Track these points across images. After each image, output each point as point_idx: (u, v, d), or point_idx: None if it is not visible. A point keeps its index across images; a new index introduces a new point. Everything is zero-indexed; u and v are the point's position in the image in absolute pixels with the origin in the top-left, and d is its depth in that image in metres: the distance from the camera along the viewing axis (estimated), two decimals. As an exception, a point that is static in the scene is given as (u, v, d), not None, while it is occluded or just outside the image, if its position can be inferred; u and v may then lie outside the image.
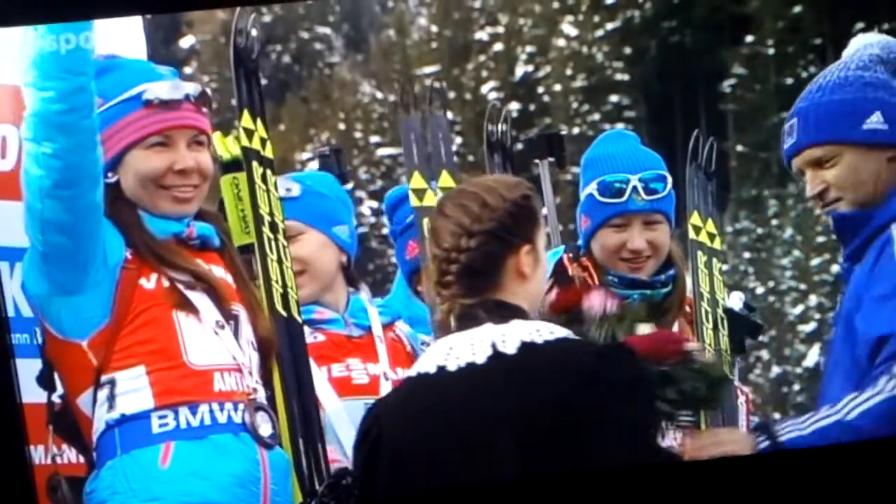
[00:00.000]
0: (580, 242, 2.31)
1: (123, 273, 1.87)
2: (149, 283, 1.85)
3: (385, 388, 2.07)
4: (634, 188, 2.23)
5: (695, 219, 2.37)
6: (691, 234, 2.34)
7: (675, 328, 2.25)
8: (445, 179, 2.21)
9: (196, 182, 1.88)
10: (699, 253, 2.30)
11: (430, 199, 2.22)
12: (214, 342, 1.88)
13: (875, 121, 1.84)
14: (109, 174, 1.87)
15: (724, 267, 2.34)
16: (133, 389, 1.80)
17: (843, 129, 1.87)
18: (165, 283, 1.84)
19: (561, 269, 2.30)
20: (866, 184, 1.82)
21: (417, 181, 2.20)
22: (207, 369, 1.89)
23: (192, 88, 1.90)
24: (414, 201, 2.17)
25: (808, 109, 1.87)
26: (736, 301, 2.40)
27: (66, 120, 1.79)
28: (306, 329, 2.07)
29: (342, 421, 2.01)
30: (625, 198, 2.23)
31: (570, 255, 2.31)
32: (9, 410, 1.99)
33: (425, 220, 2.17)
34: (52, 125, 1.79)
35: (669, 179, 2.23)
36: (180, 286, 1.84)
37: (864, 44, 1.92)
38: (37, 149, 1.78)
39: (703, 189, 2.41)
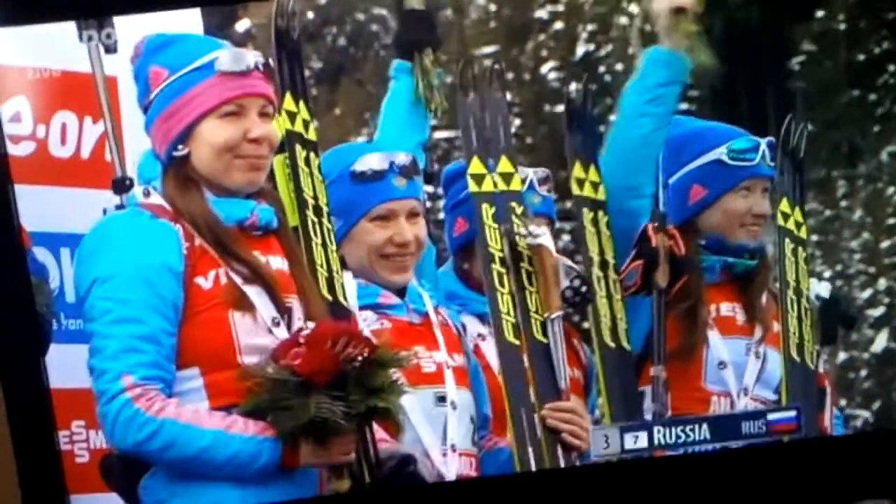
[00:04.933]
0: (684, 214, 2.26)
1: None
2: (206, 281, 1.86)
3: (449, 377, 2.08)
4: (763, 153, 2.23)
5: (784, 205, 2.34)
6: (780, 221, 2.32)
7: (763, 304, 2.22)
8: (505, 164, 2.19)
9: (266, 152, 1.89)
10: (787, 240, 2.28)
11: (489, 185, 2.21)
12: (269, 341, 1.89)
13: None
14: (180, 146, 1.88)
15: (807, 252, 2.28)
16: (188, 390, 1.82)
17: None
18: (223, 280, 1.85)
19: (644, 239, 2.27)
20: None
21: (476, 166, 2.18)
22: None
23: (259, 56, 1.90)
24: (472, 187, 2.15)
25: None
26: (824, 290, 2.35)
27: None
28: (371, 314, 2.07)
29: (416, 411, 2.01)
30: (756, 162, 2.22)
31: (655, 224, 2.28)
32: (39, 397, 2.03)
33: (484, 206, 2.17)
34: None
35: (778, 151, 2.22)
36: (238, 280, 1.84)
37: None
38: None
39: (793, 176, 2.37)
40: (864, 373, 3.44)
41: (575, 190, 2.32)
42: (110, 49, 2.12)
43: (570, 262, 2.31)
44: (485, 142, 2.28)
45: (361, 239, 2.19)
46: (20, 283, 2.15)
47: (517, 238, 2.16)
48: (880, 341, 3.39)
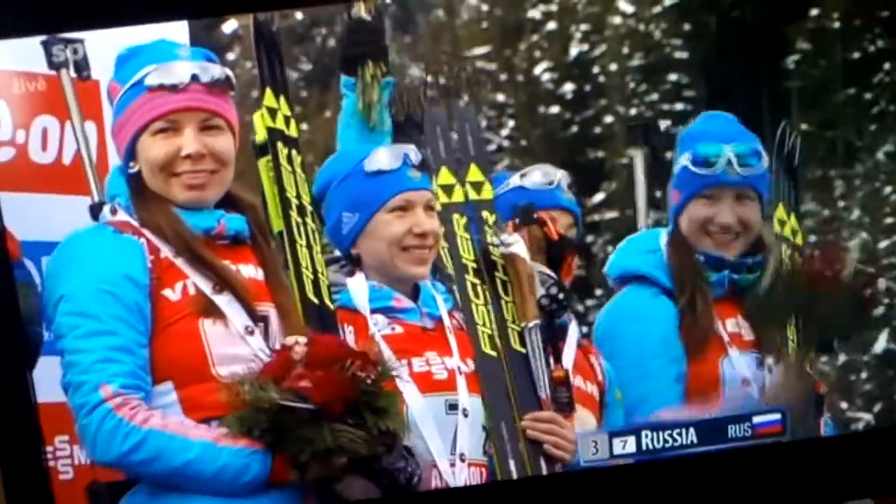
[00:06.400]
0: (670, 218, 2.24)
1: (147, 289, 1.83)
2: (174, 293, 1.81)
3: (461, 383, 2.04)
4: (728, 160, 2.18)
5: (780, 212, 2.30)
6: (776, 228, 2.28)
7: None
8: (474, 173, 2.16)
9: (211, 167, 1.83)
10: (783, 247, 2.25)
11: (459, 196, 2.18)
12: (243, 351, 1.84)
13: None
14: (131, 164, 1.84)
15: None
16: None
17: None
18: (191, 291, 1.81)
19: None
20: None
21: (445, 177, 2.15)
22: (237, 381, 1.85)
23: (199, 69, 1.84)
24: (442, 198, 2.12)
25: None
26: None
27: None
28: (382, 318, 2.03)
29: (426, 419, 1.97)
30: (718, 169, 2.18)
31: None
32: (26, 411, 1.99)
33: (454, 216, 2.13)
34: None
35: (765, 157, 2.18)
36: (207, 290, 1.80)
37: None
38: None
39: (788, 183, 2.34)
40: (864, 374, 3.40)
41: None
42: (82, 67, 2.08)
43: (545, 270, 2.27)
44: (452, 151, 2.25)
45: (380, 232, 2.15)
46: (5, 292, 2.10)
47: (490, 247, 2.12)
48: (880, 342, 3.35)
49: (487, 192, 2.21)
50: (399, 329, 2.18)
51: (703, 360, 2.29)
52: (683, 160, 2.33)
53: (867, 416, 3.10)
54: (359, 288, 2.13)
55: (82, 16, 2.00)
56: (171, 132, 1.87)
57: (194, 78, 1.87)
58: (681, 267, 2.28)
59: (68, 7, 1.99)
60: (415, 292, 2.22)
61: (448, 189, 2.22)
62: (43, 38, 2.08)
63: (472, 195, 2.28)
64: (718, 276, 2.25)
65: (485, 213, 2.19)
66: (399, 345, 2.14)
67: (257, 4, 2.06)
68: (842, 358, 3.39)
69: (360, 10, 2.23)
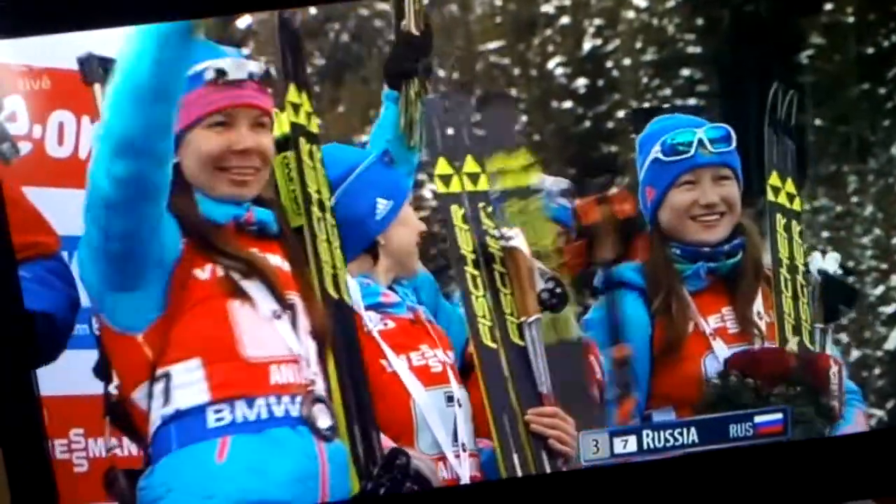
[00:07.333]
0: (647, 217, 2.24)
1: (178, 265, 1.86)
2: (203, 273, 1.84)
3: (452, 376, 2.05)
4: (700, 141, 2.18)
5: (773, 179, 2.28)
6: (769, 196, 2.26)
7: (759, 298, 2.19)
8: (470, 164, 2.16)
9: (257, 164, 1.86)
10: (778, 216, 2.23)
11: (456, 186, 2.19)
12: (270, 333, 1.86)
13: None
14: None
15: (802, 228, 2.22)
16: (188, 383, 1.79)
17: None
18: (220, 273, 1.83)
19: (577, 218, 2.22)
20: None
21: (443, 167, 2.16)
22: (264, 362, 1.88)
23: (255, 67, 1.88)
24: (440, 188, 2.13)
25: None
26: (831, 263, 2.29)
27: (144, 144, 1.77)
28: (374, 315, 2.04)
29: (432, 413, 1.98)
30: (692, 152, 2.18)
31: (588, 200, 2.24)
32: (30, 405, 2.00)
33: (453, 208, 2.15)
34: (129, 149, 1.76)
35: (734, 137, 2.17)
36: (235, 275, 1.82)
37: None
38: (108, 166, 1.76)
39: (782, 147, 2.31)
40: (877, 371, 3.39)
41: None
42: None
43: (542, 265, 2.27)
44: (448, 142, 2.27)
45: (410, 221, 2.18)
46: (9, 287, 2.11)
47: (488, 239, 2.13)
48: (894, 339, 3.34)
49: (483, 184, 2.22)
50: (391, 324, 2.20)
51: (684, 358, 2.28)
52: (653, 154, 2.33)
53: (880, 413, 3.10)
54: (351, 286, 2.15)
55: (86, 14, 2.01)
56: (225, 126, 1.90)
57: (251, 75, 1.91)
58: (653, 264, 2.29)
59: (72, 5, 2.00)
60: (391, 288, 2.24)
61: (446, 179, 2.23)
62: (81, 55, 2.10)
63: (469, 186, 2.29)
64: (694, 268, 2.25)
65: (480, 205, 2.20)
66: (395, 339, 2.16)
67: (271, 2, 2.06)
68: (854, 354, 3.38)
69: (410, 25, 2.24)
